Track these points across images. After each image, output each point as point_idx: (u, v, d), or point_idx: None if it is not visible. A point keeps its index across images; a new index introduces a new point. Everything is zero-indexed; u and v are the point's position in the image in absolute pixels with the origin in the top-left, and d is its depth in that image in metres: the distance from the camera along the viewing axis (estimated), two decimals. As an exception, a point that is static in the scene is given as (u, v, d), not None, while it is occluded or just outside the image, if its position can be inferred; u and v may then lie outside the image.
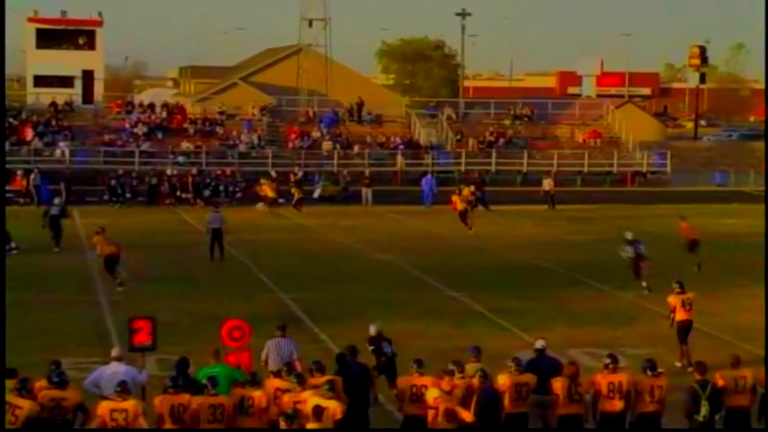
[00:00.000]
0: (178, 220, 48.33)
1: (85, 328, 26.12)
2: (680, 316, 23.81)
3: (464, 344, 21.17)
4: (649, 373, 16.94)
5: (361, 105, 73.05)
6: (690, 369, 21.21)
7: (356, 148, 67.24)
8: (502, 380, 16.89)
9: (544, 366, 17.72)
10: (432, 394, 16.23)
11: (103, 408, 15.35)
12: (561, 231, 47.21)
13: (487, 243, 42.16)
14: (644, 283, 31.86)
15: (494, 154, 67.38)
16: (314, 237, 44.74)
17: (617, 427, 16.81)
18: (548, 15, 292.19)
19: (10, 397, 15.37)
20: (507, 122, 74.73)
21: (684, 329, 23.78)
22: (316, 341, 25.22)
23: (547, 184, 57.33)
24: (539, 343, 18.50)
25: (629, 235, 33.25)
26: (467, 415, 16.15)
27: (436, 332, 26.38)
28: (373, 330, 21.85)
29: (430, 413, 16.20)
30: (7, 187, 55.79)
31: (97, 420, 15.32)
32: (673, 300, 23.94)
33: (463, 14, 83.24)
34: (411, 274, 35.04)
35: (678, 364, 23.12)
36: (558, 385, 16.93)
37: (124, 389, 15.60)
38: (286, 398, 15.91)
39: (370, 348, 21.37)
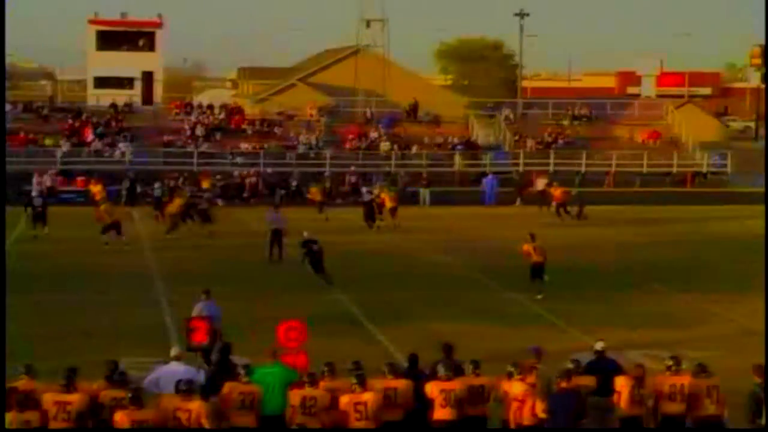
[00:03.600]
0: (236, 220, 48.48)
1: (144, 327, 26.24)
2: (534, 258, 31.41)
3: (522, 345, 21.07)
4: (702, 375, 16.80)
5: (416, 106, 73.00)
6: (539, 296, 30.39)
7: (414, 149, 67.22)
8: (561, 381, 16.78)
9: (604, 367, 17.58)
10: (519, 388, 16.16)
11: (168, 405, 15.36)
12: (618, 232, 46.94)
13: (544, 244, 41.97)
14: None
15: (552, 155, 67.09)
16: (372, 238, 44.74)
17: (678, 429, 16.65)
18: (607, 14, 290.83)
19: (58, 396, 15.44)
20: (565, 122, 74.46)
21: (536, 270, 31.39)
22: (373, 342, 25.22)
23: (541, 183, 57.11)
24: (599, 345, 18.36)
25: None
26: (540, 410, 16.18)
27: (494, 333, 26.30)
28: (306, 234, 33.78)
29: (514, 405, 16.18)
30: (70, 188, 56.48)
31: (161, 418, 15.32)
32: (527, 247, 31.83)
33: (522, 14, 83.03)
34: (469, 275, 34.97)
35: (539, 297, 30.33)
36: (622, 384, 16.78)
37: (189, 389, 15.57)
38: (346, 399, 15.92)
39: (303, 249, 33.25)
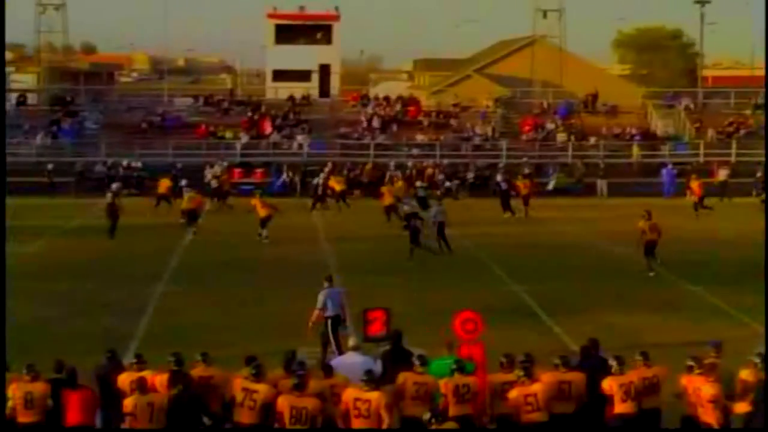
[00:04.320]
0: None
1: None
2: (649, 236, 33.50)
3: (701, 339, 20.68)
4: None
5: (596, 96, 72.24)
6: (652, 274, 32.81)
7: (591, 140, 66.49)
8: (745, 376, 16.39)
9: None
10: (710, 389, 15.84)
11: (348, 395, 15.49)
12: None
13: (725, 236, 41.19)
14: None
15: (734, 145, 65.57)
16: (548, 229, 44.50)
17: None
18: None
19: (246, 383, 15.71)
20: (748, 112, 72.64)
21: (650, 247, 33.50)
22: (549, 334, 25.06)
23: (724, 174, 55.69)
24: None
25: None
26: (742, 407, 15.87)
27: (672, 326, 25.89)
28: (408, 209, 39.38)
29: (707, 407, 15.88)
30: (248, 180, 57.47)
31: (341, 406, 15.49)
32: (642, 224, 33.81)
33: (702, 2, 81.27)
34: (646, 267, 34.41)
35: (651, 274, 32.79)
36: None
37: (370, 379, 15.65)
38: (515, 392, 15.87)
39: (404, 223, 37.68)
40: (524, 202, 48.87)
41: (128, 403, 15.57)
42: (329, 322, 22.53)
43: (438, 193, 52.81)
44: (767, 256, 32.40)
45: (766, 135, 65.03)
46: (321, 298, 22.74)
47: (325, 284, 23.14)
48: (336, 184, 51.96)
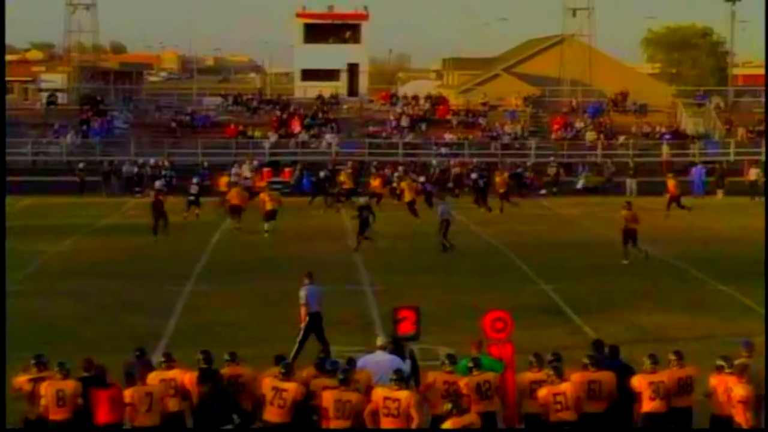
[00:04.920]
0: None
1: (350, 317, 26.50)
2: (629, 225, 34.90)
3: (731, 338, 20.57)
4: None
5: (625, 95, 72.08)
6: (626, 261, 34.46)
7: (620, 138, 66.30)
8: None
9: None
10: (742, 389, 15.73)
11: (378, 394, 15.43)
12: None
13: (754, 236, 40.94)
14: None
15: (764, 144, 65.17)
16: (577, 228, 44.39)
17: None
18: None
19: (275, 382, 15.71)
20: (778, 110, 72.25)
21: (629, 236, 34.87)
22: (579, 333, 24.95)
23: (754, 173, 55.29)
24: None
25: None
26: None
27: (702, 325, 25.74)
28: (362, 201, 39.36)
29: (738, 407, 15.78)
30: (276, 179, 57.45)
31: (371, 405, 15.43)
32: (623, 213, 35.19)
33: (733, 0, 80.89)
34: (676, 266, 34.32)
35: (625, 262, 34.43)
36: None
37: (400, 378, 15.58)
38: (544, 391, 15.82)
39: (357, 213, 38.26)
40: (501, 198, 49.04)
41: (127, 393, 15.66)
42: (309, 319, 22.53)
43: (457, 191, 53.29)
44: (767, 255, 32.22)
45: (766, 135, 64.72)
46: (303, 293, 22.69)
47: (306, 281, 23.02)
48: (347, 180, 51.81)
